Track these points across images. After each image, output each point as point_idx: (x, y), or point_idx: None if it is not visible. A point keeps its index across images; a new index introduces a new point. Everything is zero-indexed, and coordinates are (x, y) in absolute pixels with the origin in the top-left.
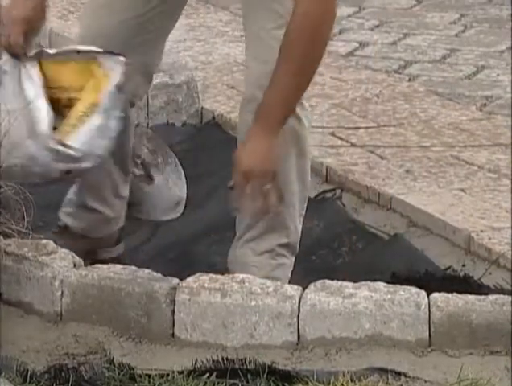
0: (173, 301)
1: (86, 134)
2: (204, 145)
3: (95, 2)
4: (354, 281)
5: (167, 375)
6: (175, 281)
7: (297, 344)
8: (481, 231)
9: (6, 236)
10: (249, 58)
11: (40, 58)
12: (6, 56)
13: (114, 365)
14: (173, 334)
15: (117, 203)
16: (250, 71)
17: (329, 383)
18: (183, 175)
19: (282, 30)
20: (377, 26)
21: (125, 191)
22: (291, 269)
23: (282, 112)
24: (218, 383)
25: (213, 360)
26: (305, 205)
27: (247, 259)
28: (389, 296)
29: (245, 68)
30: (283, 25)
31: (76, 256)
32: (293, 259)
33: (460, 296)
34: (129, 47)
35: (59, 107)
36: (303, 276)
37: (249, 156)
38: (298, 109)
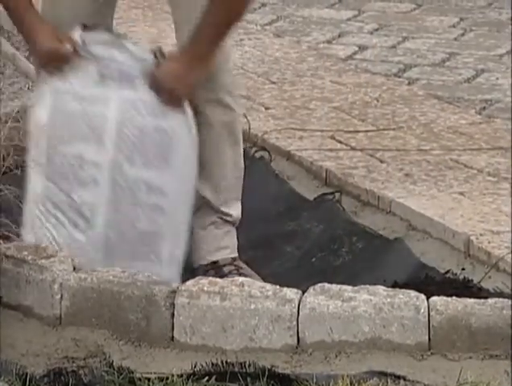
0: (172, 305)
1: None
2: None
3: None
4: (354, 284)
5: (167, 378)
6: (175, 284)
7: (296, 347)
8: (481, 234)
9: (6, 239)
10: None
11: None
12: None
13: (114, 368)
14: (172, 338)
15: None
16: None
17: None
18: None
19: None
20: (376, 30)
21: None
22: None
23: (208, 44)
24: None
25: (213, 364)
26: (240, 187)
27: (198, 237)
28: (388, 299)
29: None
30: None
31: (76, 260)
32: (234, 229)
33: (459, 300)
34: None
35: None
36: (303, 278)
37: (176, 78)
38: (230, 100)
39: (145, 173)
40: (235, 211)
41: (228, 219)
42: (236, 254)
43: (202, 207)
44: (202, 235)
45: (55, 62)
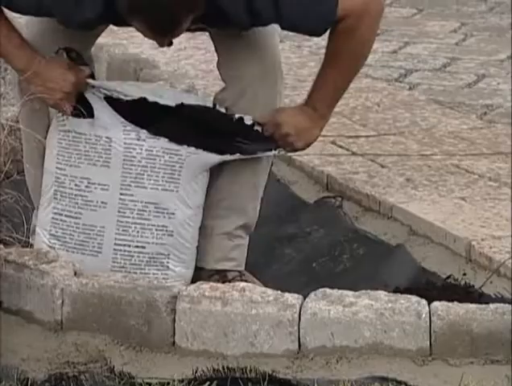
0: (174, 310)
1: None
2: None
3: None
4: (355, 289)
5: (168, 383)
6: (176, 289)
7: (298, 353)
8: (482, 239)
9: (7, 244)
10: None
11: None
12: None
13: (115, 374)
14: (174, 343)
15: None
16: None
17: None
18: None
19: None
20: (377, 35)
21: None
22: (246, 248)
23: (330, 106)
24: None
25: (214, 369)
26: (264, 185)
27: (205, 241)
28: (389, 305)
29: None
30: None
31: (77, 265)
32: (247, 238)
33: (460, 305)
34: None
35: None
36: (304, 283)
37: (297, 128)
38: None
39: (153, 194)
40: (253, 216)
41: (241, 222)
42: (242, 268)
43: (223, 212)
44: (213, 239)
45: (74, 93)
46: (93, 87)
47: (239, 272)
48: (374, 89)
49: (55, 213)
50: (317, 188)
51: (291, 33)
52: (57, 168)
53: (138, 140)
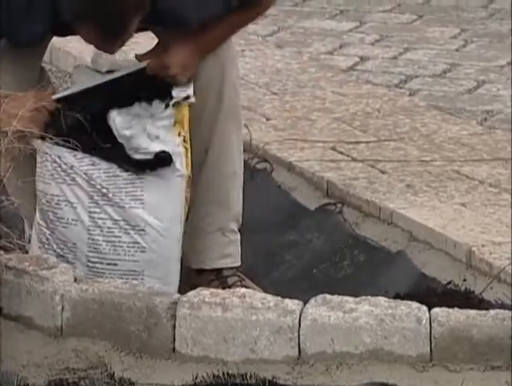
0: (174, 316)
1: None
2: None
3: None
4: (355, 296)
5: None
6: (176, 295)
7: (298, 359)
8: (482, 245)
9: (7, 250)
10: None
11: None
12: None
13: (115, 380)
14: (174, 349)
15: None
16: None
17: None
18: None
19: None
20: (377, 41)
21: None
22: (239, 243)
23: (212, 48)
24: None
25: (214, 375)
26: (241, 180)
27: (199, 241)
28: (390, 311)
29: None
30: None
31: (77, 271)
32: (239, 234)
33: (461, 311)
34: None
35: None
36: (304, 289)
37: (182, 60)
38: (236, 80)
39: (120, 212)
40: (237, 202)
41: (229, 214)
42: (239, 263)
43: (210, 209)
44: (207, 239)
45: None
46: (58, 101)
47: (237, 274)
48: (374, 95)
49: (39, 224)
50: (317, 194)
51: (291, 39)
52: (36, 184)
53: (94, 164)
